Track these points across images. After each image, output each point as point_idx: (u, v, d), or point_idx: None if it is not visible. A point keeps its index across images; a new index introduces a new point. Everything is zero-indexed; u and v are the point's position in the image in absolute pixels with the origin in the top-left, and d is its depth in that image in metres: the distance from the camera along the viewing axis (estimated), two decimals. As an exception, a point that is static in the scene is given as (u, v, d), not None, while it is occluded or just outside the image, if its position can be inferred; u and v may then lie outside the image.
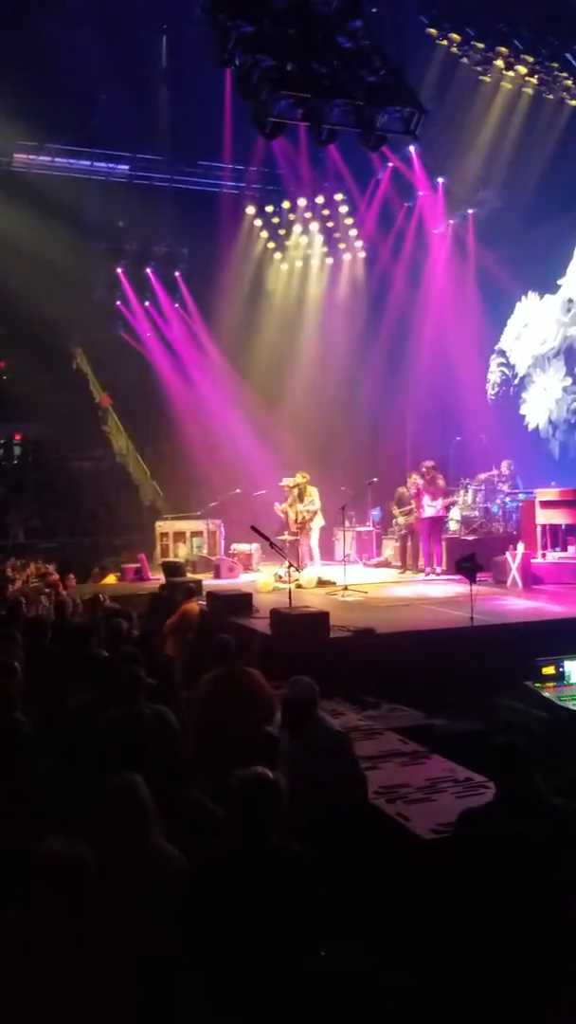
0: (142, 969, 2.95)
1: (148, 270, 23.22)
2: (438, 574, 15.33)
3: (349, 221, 21.95)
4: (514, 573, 13.89)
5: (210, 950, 3.21)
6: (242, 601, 11.90)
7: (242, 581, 15.59)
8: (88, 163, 20.84)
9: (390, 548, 17.73)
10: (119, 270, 23.18)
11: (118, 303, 23.86)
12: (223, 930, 3.24)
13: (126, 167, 21.15)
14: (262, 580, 14.88)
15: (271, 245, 22.76)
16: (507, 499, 16.90)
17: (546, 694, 8.87)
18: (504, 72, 15.94)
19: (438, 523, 15.90)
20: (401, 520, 16.62)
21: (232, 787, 3.46)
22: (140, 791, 3.53)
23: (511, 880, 3.70)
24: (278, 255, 22.99)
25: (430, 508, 15.63)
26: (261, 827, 3.38)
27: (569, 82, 15.93)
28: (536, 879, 3.72)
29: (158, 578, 15.80)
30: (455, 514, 17.21)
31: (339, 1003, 2.96)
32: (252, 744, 6.43)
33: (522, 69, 15.74)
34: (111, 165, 21.08)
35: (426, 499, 15.61)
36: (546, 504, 14.36)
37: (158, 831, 3.51)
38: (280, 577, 14.41)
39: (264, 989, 3.16)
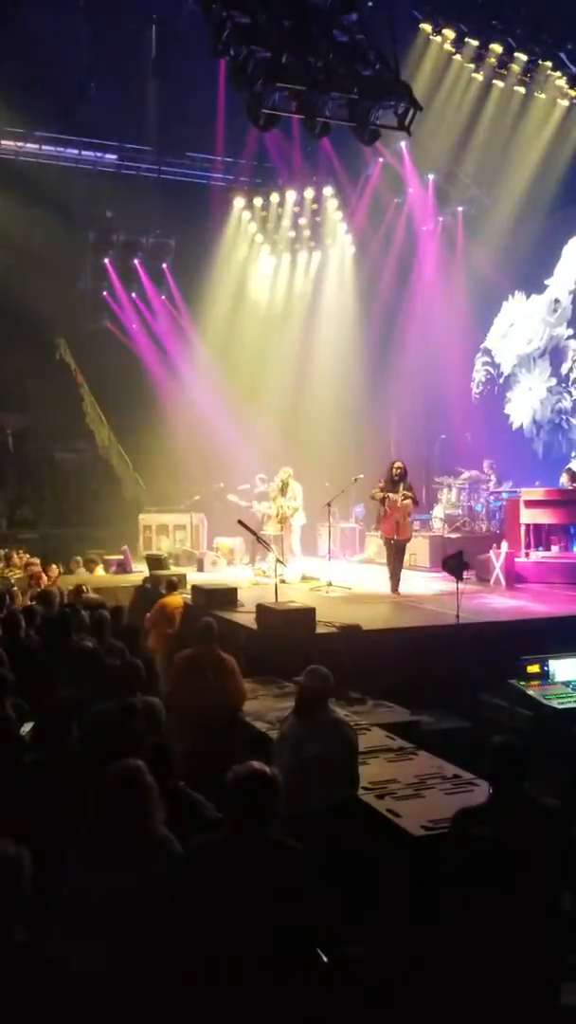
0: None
1: (135, 261, 23.09)
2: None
3: (339, 215, 21.87)
4: (497, 572, 13.91)
5: (205, 945, 3.18)
6: (227, 595, 11.84)
7: (225, 575, 15.54)
8: (76, 152, 20.66)
9: (374, 545, 17.69)
10: (106, 260, 23.04)
11: (104, 294, 23.70)
12: (219, 923, 3.21)
13: (114, 156, 21.00)
14: (247, 575, 14.81)
15: (259, 238, 22.67)
16: (491, 498, 16.93)
17: (531, 692, 8.90)
18: (497, 70, 15.94)
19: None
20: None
21: (229, 781, 3.44)
22: (145, 775, 3.53)
23: (507, 879, 3.68)
24: (266, 248, 22.91)
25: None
26: (259, 822, 3.35)
27: (561, 81, 15.95)
28: (531, 878, 3.70)
29: (141, 571, 15.74)
30: (438, 512, 17.23)
31: (338, 1000, 2.93)
32: (215, 727, 6.60)
33: (515, 67, 15.76)
34: (99, 154, 20.92)
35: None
36: (531, 503, 14.37)
37: (159, 817, 3.50)
38: (264, 572, 14.36)
39: (261, 986, 3.13)
